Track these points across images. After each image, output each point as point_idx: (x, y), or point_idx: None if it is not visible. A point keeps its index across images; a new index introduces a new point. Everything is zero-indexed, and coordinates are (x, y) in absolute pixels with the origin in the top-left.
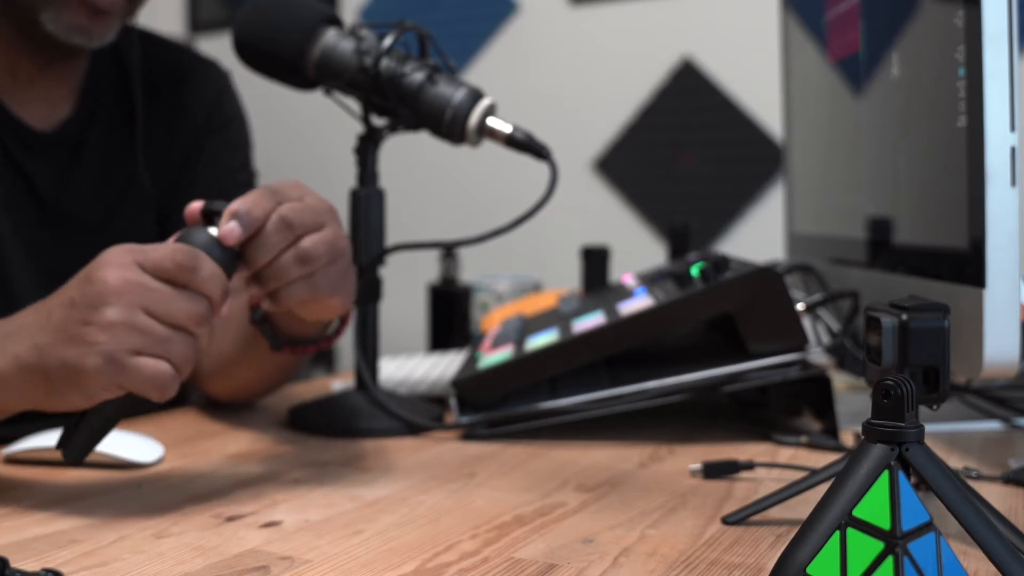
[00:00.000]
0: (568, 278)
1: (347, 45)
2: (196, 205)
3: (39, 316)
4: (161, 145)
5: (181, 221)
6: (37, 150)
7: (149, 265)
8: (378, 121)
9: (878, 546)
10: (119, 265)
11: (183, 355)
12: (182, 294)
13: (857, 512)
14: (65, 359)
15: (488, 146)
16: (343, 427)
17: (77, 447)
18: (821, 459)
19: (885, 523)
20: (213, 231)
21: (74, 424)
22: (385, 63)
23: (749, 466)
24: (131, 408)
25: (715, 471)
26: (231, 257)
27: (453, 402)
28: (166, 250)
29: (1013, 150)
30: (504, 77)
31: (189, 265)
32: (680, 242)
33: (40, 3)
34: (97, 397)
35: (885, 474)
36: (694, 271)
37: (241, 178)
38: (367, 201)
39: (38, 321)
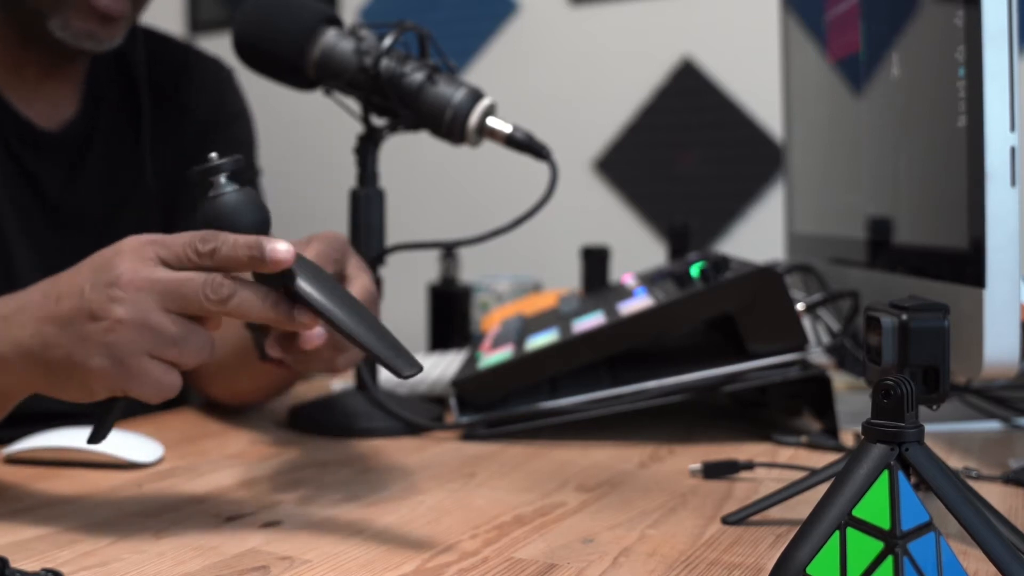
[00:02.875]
0: (568, 278)
1: (347, 45)
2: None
3: (47, 300)
4: (165, 143)
5: (186, 220)
6: (43, 150)
7: (168, 255)
8: (378, 121)
9: (878, 546)
10: (135, 256)
11: (196, 352)
12: (197, 278)
13: (857, 512)
14: (70, 355)
15: (488, 146)
16: (343, 427)
17: (98, 431)
18: (821, 459)
19: (885, 523)
20: (230, 190)
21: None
22: (385, 63)
23: (749, 466)
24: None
25: (715, 471)
26: (261, 218)
27: (453, 402)
28: (184, 237)
29: (1013, 150)
30: (504, 77)
31: (206, 250)
32: (680, 242)
33: (48, 11)
34: (98, 396)
35: (885, 474)
36: (694, 271)
37: (245, 176)
38: (367, 201)
39: (45, 305)
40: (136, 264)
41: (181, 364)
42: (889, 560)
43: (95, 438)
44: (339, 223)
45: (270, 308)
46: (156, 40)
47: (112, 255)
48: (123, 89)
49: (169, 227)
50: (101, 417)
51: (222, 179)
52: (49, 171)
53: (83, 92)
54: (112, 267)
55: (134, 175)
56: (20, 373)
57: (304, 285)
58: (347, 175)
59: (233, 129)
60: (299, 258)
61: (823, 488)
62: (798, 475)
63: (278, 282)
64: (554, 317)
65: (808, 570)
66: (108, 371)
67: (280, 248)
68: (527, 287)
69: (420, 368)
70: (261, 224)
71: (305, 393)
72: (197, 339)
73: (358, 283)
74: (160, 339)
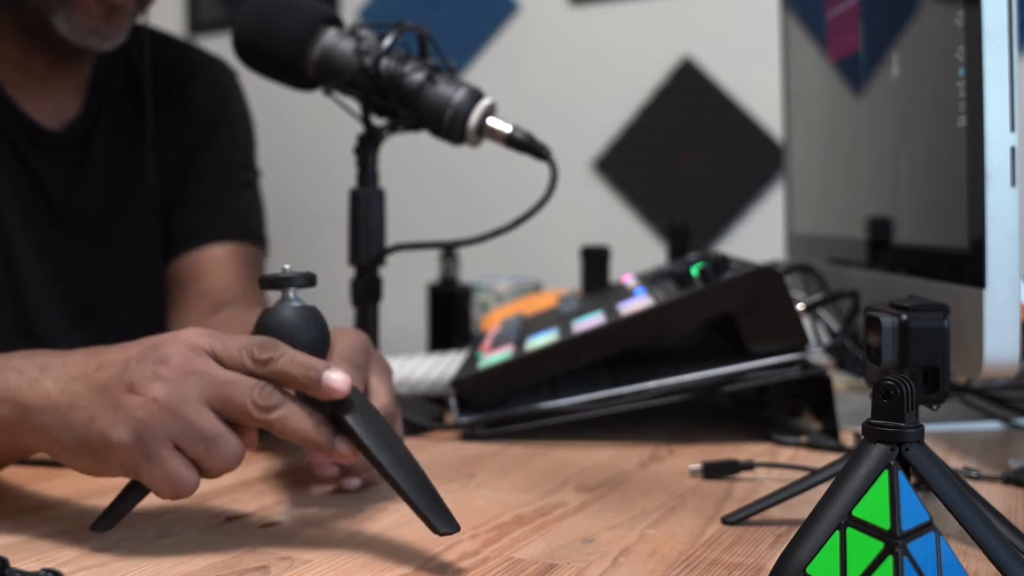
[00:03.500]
0: (568, 278)
1: (347, 45)
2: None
3: (88, 361)
4: (166, 143)
5: (183, 219)
6: (46, 148)
7: (223, 352)
8: (378, 121)
9: (878, 546)
10: (190, 345)
11: (223, 458)
12: (247, 381)
13: (857, 512)
14: (95, 419)
15: (488, 146)
16: None
17: (105, 518)
18: (821, 459)
19: (885, 523)
20: (295, 305)
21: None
22: (385, 63)
23: (749, 466)
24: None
25: (715, 471)
26: (321, 339)
27: (453, 402)
28: (243, 340)
29: (1013, 150)
30: (504, 77)
31: (262, 357)
32: (680, 242)
33: (52, 6)
34: (108, 472)
35: (885, 474)
36: (694, 271)
37: (244, 177)
38: (367, 201)
39: (84, 366)
40: (190, 352)
41: (204, 466)
42: (889, 560)
43: (99, 525)
44: (339, 223)
45: (312, 430)
46: (160, 41)
47: (167, 339)
48: (127, 89)
49: (169, 226)
50: (114, 504)
51: (290, 292)
52: (52, 170)
53: (87, 92)
54: (164, 348)
55: (136, 174)
56: (39, 430)
57: (352, 421)
58: (347, 175)
59: (234, 129)
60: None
61: (823, 488)
62: (798, 475)
63: (327, 408)
64: (554, 317)
65: (808, 570)
66: (127, 447)
67: (337, 379)
68: (527, 287)
69: (457, 528)
70: (318, 344)
71: None
72: (227, 444)
73: (378, 399)
74: (190, 431)
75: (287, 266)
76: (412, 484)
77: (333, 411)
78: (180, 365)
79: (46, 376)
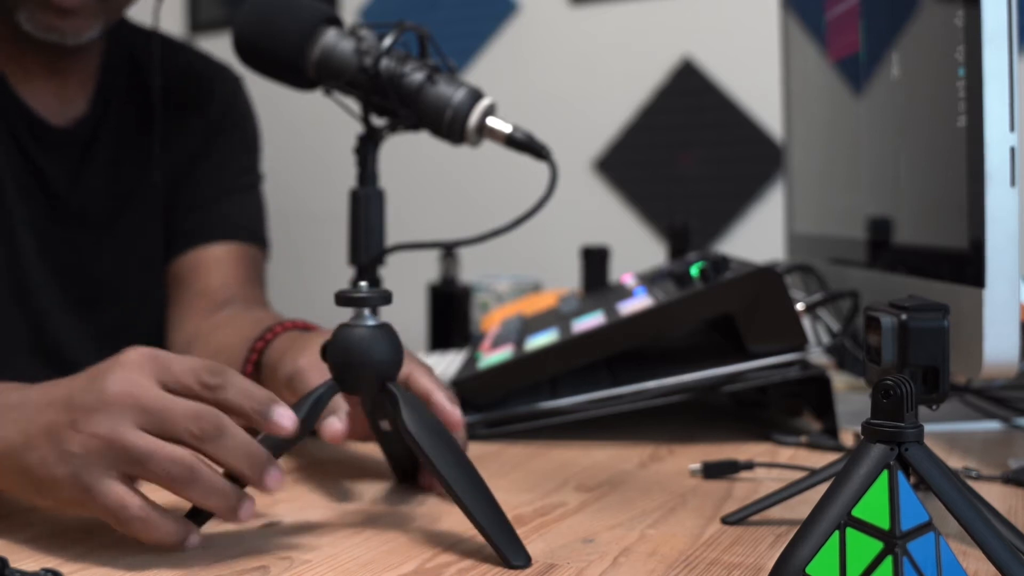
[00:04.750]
0: (568, 278)
1: (347, 45)
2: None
3: (41, 398)
4: (171, 144)
5: (185, 219)
6: (51, 145)
7: (168, 377)
8: (378, 121)
9: (877, 546)
10: (131, 370)
11: (165, 473)
12: (184, 409)
13: (856, 512)
14: (44, 459)
15: (488, 146)
16: None
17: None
18: (821, 459)
19: (884, 523)
20: (370, 324)
21: None
22: (385, 63)
23: (749, 466)
24: None
25: (715, 471)
26: (395, 357)
27: None
28: (191, 363)
29: (1013, 150)
30: (504, 77)
31: (212, 383)
32: (680, 242)
33: (13, 5)
34: (71, 509)
35: (885, 474)
36: (694, 271)
37: (247, 180)
38: (367, 201)
39: (38, 404)
40: (129, 379)
41: (166, 487)
42: (888, 560)
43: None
44: (339, 223)
45: (244, 461)
46: (169, 45)
47: (109, 367)
48: (134, 91)
49: (170, 225)
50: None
51: (366, 311)
52: (56, 166)
53: (94, 92)
54: (104, 378)
55: (139, 174)
56: (3, 470)
57: (422, 442)
58: (347, 175)
59: (239, 133)
60: (418, 412)
61: (823, 488)
62: (798, 475)
63: (396, 446)
64: (554, 317)
65: (808, 570)
66: (67, 483)
67: (284, 417)
68: (527, 287)
69: (529, 561)
70: (390, 364)
71: None
72: (167, 457)
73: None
74: (125, 455)
75: (364, 283)
76: (487, 512)
77: (403, 433)
78: (117, 395)
79: (7, 418)
